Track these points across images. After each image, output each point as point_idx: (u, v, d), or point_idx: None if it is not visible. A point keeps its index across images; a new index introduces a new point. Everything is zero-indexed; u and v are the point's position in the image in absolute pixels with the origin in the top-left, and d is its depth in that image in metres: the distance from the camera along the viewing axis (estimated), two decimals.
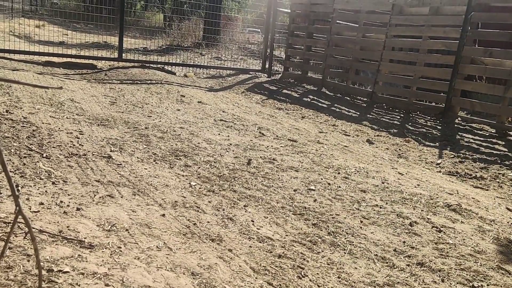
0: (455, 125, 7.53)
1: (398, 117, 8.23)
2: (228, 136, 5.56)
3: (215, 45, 14.95)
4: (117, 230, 2.73)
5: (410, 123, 7.77)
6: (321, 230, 3.19)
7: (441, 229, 3.45)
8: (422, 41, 8.33)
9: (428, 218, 3.63)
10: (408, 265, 2.83)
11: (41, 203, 2.93)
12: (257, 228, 3.08)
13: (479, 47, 7.58)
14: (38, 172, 3.52)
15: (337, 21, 10.42)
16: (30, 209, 2.81)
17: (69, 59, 10.28)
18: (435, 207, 3.92)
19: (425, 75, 8.49)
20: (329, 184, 4.20)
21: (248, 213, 3.33)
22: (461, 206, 3.99)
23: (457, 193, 4.43)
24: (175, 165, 4.21)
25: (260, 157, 4.82)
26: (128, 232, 2.73)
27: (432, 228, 3.46)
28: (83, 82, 8.31)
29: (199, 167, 4.23)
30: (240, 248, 2.78)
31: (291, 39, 11.58)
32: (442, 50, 8.25)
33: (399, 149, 6.09)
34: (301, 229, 3.17)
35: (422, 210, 3.81)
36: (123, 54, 10.85)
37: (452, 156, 5.90)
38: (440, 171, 5.25)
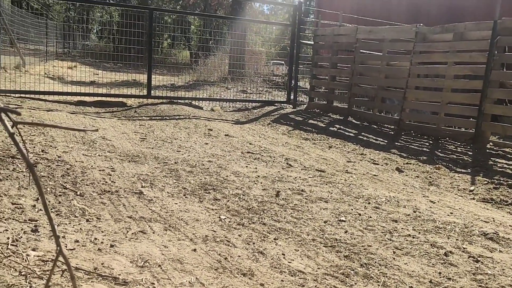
0: (487, 150, 7.37)
1: (427, 144, 8.13)
2: (256, 168, 5.60)
3: (241, 79, 15.20)
4: (150, 266, 2.76)
5: (439, 150, 7.65)
6: (353, 262, 3.14)
7: (478, 259, 3.35)
8: (448, 67, 8.29)
9: (464, 248, 3.54)
10: None
11: (76, 241, 3.00)
12: (289, 262, 3.06)
13: (508, 71, 7.49)
14: (72, 209, 3.61)
15: (361, 51, 10.50)
16: (66, 246, 2.88)
17: (100, 98, 10.63)
18: (471, 236, 3.82)
19: (452, 101, 8.40)
20: (359, 214, 4.16)
21: (278, 246, 3.32)
22: (498, 234, 3.88)
23: (493, 220, 4.31)
24: (204, 199, 4.25)
25: (289, 188, 4.82)
26: (161, 268, 2.76)
27: (468, 258, 3.37)
28: (114, 119, 8.56)
29: (228, 200, 4.26)
30: (272, 282, 2.77)
31: (315, 69, 11.70)
32: (469, 75, 8.18)
33: (430, 177, 5.99)
34: (333, 261, 3.14)
35: (457, 239, 3.72)
36: (152, 91, 11.15)
37: (486, 182, 5.76)
38: (473, 198, 5.13)
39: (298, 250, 3.27)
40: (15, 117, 1.23)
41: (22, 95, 9.97)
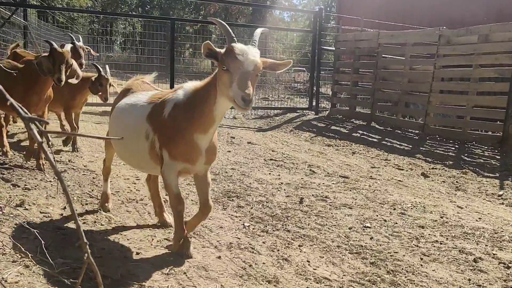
0: None
1: (453, 148, 7.98)
2: (279, 175, 5.59)
3: (262, 86, 15.24)
4: (175, 274, 2.78)
5: (466, 154, 7.51)
6: (380, 269, 3.10)
7: (510, 265, 3.26)
8: (473, 70, 8.14)
9: (493, 254, 3.45)
10: None
11: (103, 248, 3.04)
12: (314, 269, 3.04)
13: None
14: (99, 218, 3.67)
15: (383, 55, 10.40)
16: (94, 254, 2.92)
17: None
18: (501, 242, 3.72)
19: (478, 104, 8.24)
20: (385, 220, 4.10)
21: (303, 253, 3.29)
22: None
23: None
24: (228, 206, 4.26)
25: (312, 195, 4.79)
26: (186, 275, 2.77)
27: (499, 264, 3.28)
28: None
29: (251, 208, 4.25)
30: None
31: (337, 75, 11.64)
32: (495, 78, 8.01)
33: (456, 182, 5.87)
34: (358, 268, 3.10)
35: (486, 245, 3.62)
36: None
37: None
38: (502, 203, 5.00)
39: (323, 257, 3.24)
40: (43, 127, 1.26)
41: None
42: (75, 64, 4.92)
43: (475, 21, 11.18)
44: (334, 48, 12.07)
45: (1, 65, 5.02)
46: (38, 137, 1.22)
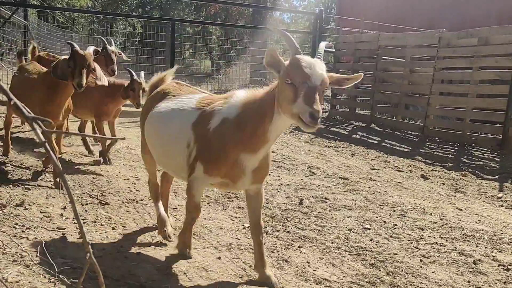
0: None
1: (453, 150, 7.99)
2: (279, 176, 5.59)
3: (262, 87, 15.21)
4: (176, 274, 2.78)
5: (465, 156, 7.51)
6: (379, 270, 3.10)
7: (509, 267, 3.27)
8: (473, 72, 8.15)
9: (493, 256, 3.46)
10: None
11: (103, 248, 3.04)
12: (313, 270, 3.04)
13: None
14: (99, 218, 3.67)
15: (383, 57, 10.42)
16: (94, 254, 2.91)
17: (124, 108, 10.77)
18: (500, 244, 3.73)
19: (478, 107, 8.25)
20: (384, 222, 4.10)
21: (303, 254, 3.30)
22: None
23: None
24: (228, 207, 4.26)
25: (312, 196, 4.80)
26: (186, 276, 2.77)
27: (498, 266, 3.29)
28: (137, 129, 8.66)
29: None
30: None
31: None
32: (495, 80, 8.03)
33: (456, 184, 5.87)
34: (358, 269, 3.10)
35: (486, 247, 3.63)
36: None
37: None
38: (502, 205, 5.01)
39: (323, 258, 3.25)
40: (46, 126, 1.26)
41: None
42: (98, 69, 4.59)
43: (475, 23, 11.20)
44: (334, 50, 12.08)
45: (26, 67, 4.89)
46: (42, 136, 1.22)
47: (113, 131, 5.89)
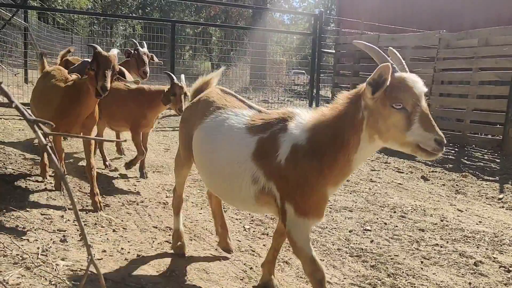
0: None
1: (453, 151, 7.99)
2: None
3: (262, 89, 15.25)
4: (176, 276, 2.78)
5: (465, 157, 7.51)
6: (380, 272, 3.10)
7: (510, 268, 3.26)
8: (473, 73, 8.16)
9: (494, 257, 3.45)
10: None
11: (104, 251, 3.04)
12: None
13: None
14: (99, 220, 3.67)
15: None
16: (94, 256, 2.91)
17: None
18: (501, 245, 3.72)
19: (478, 108, 8.25)
20: (385, 223, 4.10)
21: None
22: None
23: None
24: (228, 208, 4.26)
25: None
26: (187, 278, 2.77)
27: (499, 267, 3.28)
28: None
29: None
30: None
31: (336, 78, 11.67)
32: (495, 81, 8.03)
33: (456, 185, 5.87)
34: (359, 271, 3.10)
35: (486, 249, 3.63)
36: None
37: None
38: (503, 207, 5.01)
39: (323, 260, 3.24)
40: (47, 128, 1.26)
41: None
42: (127, 74, 4.29)
43: (475, 24, 11.22)
44: (334, 51, 12.09)
45: (52, 72, 4.42)
46: (43, 139, 1.22)
47: (145, 143, 5.36)
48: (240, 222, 3.91)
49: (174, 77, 4.88)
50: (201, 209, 4.22)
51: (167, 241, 3.35)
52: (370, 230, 3.90)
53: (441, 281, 3.01)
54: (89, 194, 4.02)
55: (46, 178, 4.58)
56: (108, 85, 3.69)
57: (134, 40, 6.93)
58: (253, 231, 3.72)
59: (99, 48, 3.83)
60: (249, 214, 4.12)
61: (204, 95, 2.99)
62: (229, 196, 2.65)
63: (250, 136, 2.45)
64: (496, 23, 11.49)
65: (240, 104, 2.81)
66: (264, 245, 3.44)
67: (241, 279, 2.84)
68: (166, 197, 4.46)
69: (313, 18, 12.57)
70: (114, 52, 3.96)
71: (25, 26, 11.42)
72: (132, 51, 6.36)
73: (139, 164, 5.22)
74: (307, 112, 2.40)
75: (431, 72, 8.96)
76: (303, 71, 19.58)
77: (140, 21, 29.24)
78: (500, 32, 7.84)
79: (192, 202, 4.38)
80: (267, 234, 3.65)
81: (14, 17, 10.61)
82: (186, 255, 3.12)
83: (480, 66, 8.13)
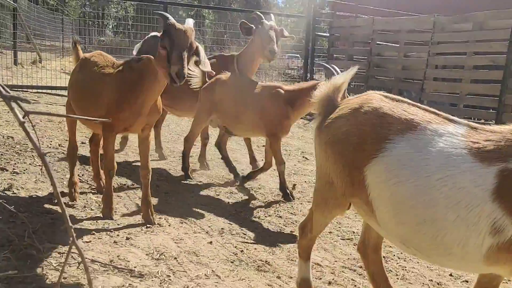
0: None
1: None
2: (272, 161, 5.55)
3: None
4: (166, 259, 2.75)
5: None
6: None
7: None
8: (467, 58, 8.11)
9: None
10: None
11: (92, 233, 3.00)
12: None
13: None
14: (89, 202, 3.62)
15: (377, 42, 10.34)
16: (82, 239, 2.88)
17: None
18: None
19: (472, 92, 8.23)
20: None
21: (295, 239, 3.28)
22: None
23: None
24: (220, 192, 4.23)
25: (305, 181, 4.78)
26: (177, 261, 2.74)
27: None
28: None
29: (243, 193, 4.23)
30: (289, 275, 2.74)
31: (331, 62, 11.58)
32: (489, 66, 8.00)
33: None
34: (350, 254, 3.09)
35: None
36: None
37: None
38: None
39: (315, 243, 3.22)
40: (26, 106, 1.21)
41: (39, 90, 10.05)
42: (202, 52, 3.14)
43: (471, 8, 11.12)
44: (328, 34, 11.99)
45: (92, 58, 3.53)
46: (20, 116, 1.17)
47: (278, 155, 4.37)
48: (232, 205, 3.88)
49: (334, 70, 3.87)
50: (193, 192, 4.17)
51: (157, 224, 3.31)
52: None
53: (431, 264, 3.00)
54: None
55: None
56: (186, 70, 2.86)
57: (258, 12, 5.20)
58: (245, 215, 3.69)
59: (171, 19, 2.96)
60: (241, 197, 4.10)
61: (363, 105, 2.18)
62: (435, 252, 1.88)
63: (481, 166, 1.77)
64: (491, 7, 11.40)
65: (434, 116, 2.10)
66: (255, 228, 3.42)
67: (231, 262, 2.82)
68: (158, 179, 4.40)
69: (308, 1, 12.44)
70: (191, 23, 3.09)
71: (14, 7, 11.20)
72: (254, 27, 4.99)
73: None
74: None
75: (426, 56, 8.91)
76: (297, 55, 19.46)
77: (132, 2, 28.84)
78: (495, 16, 7.78)
79: (184, 186, 4.34)
80: (259, 218, 3.63)
81: None
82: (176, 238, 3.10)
83: (474, 50, 8.09)
